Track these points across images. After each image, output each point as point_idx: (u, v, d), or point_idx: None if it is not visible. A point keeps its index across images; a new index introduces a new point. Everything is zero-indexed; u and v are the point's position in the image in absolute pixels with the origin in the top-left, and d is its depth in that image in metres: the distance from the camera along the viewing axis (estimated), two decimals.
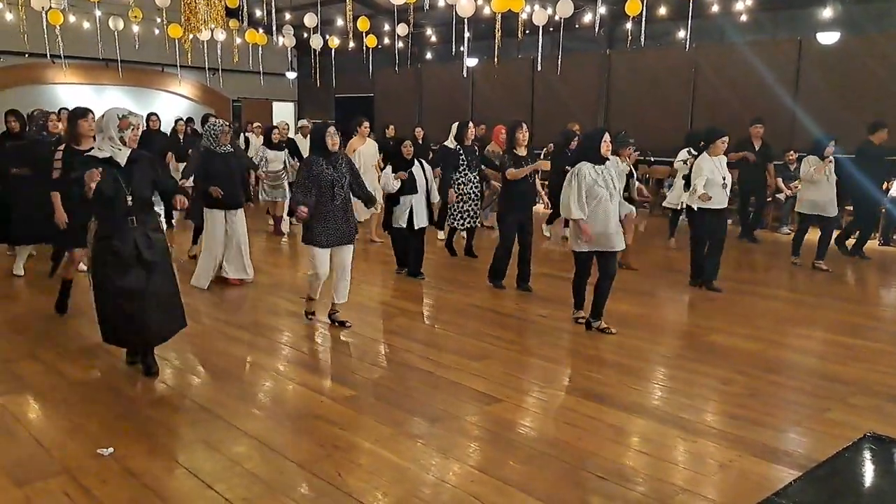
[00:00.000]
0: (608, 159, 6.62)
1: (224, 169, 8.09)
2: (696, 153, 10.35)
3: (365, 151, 11.33)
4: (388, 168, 8.79)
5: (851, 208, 11.52)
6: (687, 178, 9.00)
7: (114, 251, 5.14)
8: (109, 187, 5.06)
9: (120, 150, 5.19)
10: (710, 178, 8.14)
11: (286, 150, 11.95)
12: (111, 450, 4.25)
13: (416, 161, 8.84)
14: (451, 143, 10.74)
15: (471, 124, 10.42)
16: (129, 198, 5.13)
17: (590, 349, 6.42)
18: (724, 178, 8.26)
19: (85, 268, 8.62)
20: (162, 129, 13.68)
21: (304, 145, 12.24)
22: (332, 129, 6.57)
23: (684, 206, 8.89)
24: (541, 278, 8.65)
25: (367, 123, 11.48)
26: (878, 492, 2.81)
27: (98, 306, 5.39)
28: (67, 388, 5.28)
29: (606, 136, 6.54)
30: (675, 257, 10.54)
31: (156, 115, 13.16)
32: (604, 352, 6.36)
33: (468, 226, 10.16)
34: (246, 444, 4.42)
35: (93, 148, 5.39)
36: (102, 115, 5.30)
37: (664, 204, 11.30)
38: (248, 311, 7.61)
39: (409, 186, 8.67)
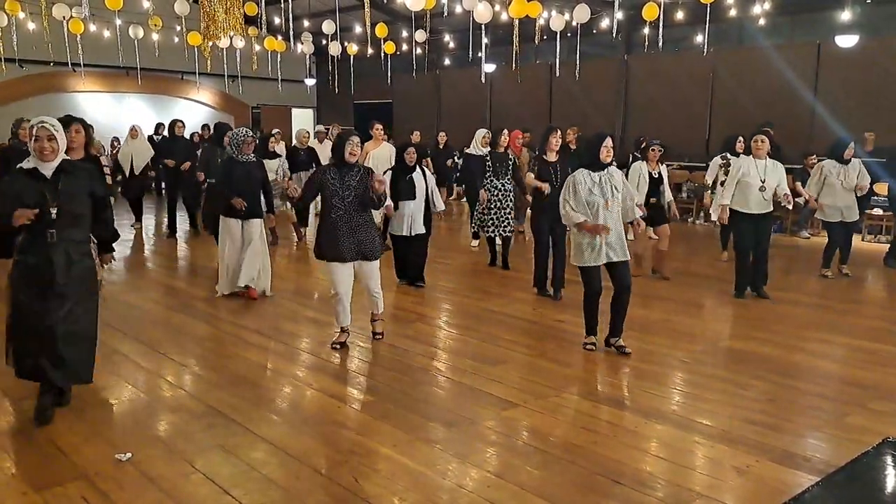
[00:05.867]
0: (609, 165, 6.29)
1: (244, 178, 8.04)
2: (728, 158, 10.27)
3: (378, 155, 11.00)
4: (388, 173, 8.62)
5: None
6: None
7: (28, 266, 4.67)
8: (31, 199, 4.54)
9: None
10: (743, 180, 8.02)
11: (281, 158, 11.70)
12: (129, 455, 4.28)
13: (417, 167, 8.69)
14: (474, 149, 10.72)
15: (505, 132, 10.00)
16: (54, 210, 4.57)
17: (607, 354, 6.39)
18: (762, 182, 8.02)
19: None
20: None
21: (323, 151, 12.16)
22: (354, 138, 6.28)
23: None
24: None
25: (379, 126, 11.28)
26: None
27: (8, 326, 4.81)
28: (86, 394, 5.31)
29: (608, 142, 6.18)
30: (693, 263, 10.51)
31: (181, 121, 13.16)
32: (621, 357, 6.32)
33: (497, 234, 9.83)
34: (263, 450, 4.44)
35: (77, 159, 5.18)
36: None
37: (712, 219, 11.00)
38: (266, 317, 7.64)
39: (407, 192, 8.54)
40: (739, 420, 4.94)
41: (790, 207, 8.70)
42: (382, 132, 11.37)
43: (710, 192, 10.24)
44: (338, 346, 6.51)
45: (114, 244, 5.43)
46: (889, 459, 2.94)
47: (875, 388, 5.58)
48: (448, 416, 5.00)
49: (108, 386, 5.52)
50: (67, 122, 6.05)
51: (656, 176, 9.12)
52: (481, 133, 10.91)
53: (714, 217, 8.59)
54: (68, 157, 4.86)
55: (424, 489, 3.97)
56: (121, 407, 5.13)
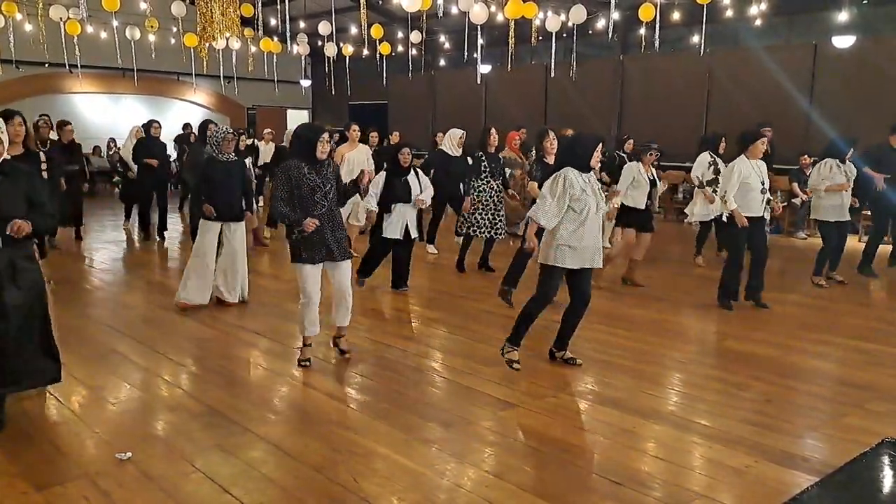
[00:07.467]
0: (593, 169, 6.01)
1: (224, 178, 7.72)
2: (716, 157, 10.14)
3: (355, 158, 10.43)
4: (382, 174, 8.47)
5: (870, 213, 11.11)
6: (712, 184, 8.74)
7: None
8: None
9: None
10: (747, 182, 7.70)
11: (250, 158, 11.47)
12: (129, 454, 4.28)
13: (412, 169, 8.50)
14: (448, 148, 10.27)
15: (493, 130, 9.75)
16: None
17: (604, 354, 6.40)
18: (763, 184, 7.76)
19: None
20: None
21: None
22: (325, 135, 5.75)
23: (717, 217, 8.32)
24: None
25: (356, 127, 10.80)
26: (895, 498, 2.79)
27: None
28: (86, 393, 5.32)
29: (600, 147, 5.88)
30: (689, 263, 10.52)
31: (157, 122, 12.94)
32: (618, 357, 6.34)
33: (485, 235, 9.64)
34: (261, 449, 4.44)
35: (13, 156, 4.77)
36: None
37: (689, 220, 10.71)
38: (263, 317, 7.63)
39: (402, 195, 8.31)
40: (737, 420, 4.95)
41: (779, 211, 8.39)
42: (359, 133, 10.84)
43: (709, 189, 9.88)
44: (307, 363, 6.00)
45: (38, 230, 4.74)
46: (887, 460, 2.95)
47: (873, 389, 5.59)
48: (445, 417, 5.01)
49: (107, 385, 5.52)
50: (8, 115, 5.87)
51: (650, 179, 8.95)
52: (458, 134, 10.35)
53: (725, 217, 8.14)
54: (8, 157, 4.62)
55: (423, 489, 3.98)
56: (120, 406, 5.13)
